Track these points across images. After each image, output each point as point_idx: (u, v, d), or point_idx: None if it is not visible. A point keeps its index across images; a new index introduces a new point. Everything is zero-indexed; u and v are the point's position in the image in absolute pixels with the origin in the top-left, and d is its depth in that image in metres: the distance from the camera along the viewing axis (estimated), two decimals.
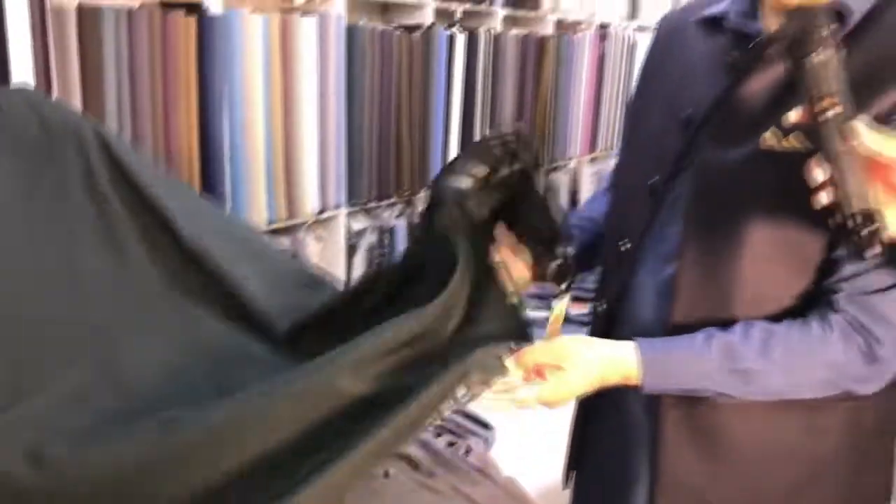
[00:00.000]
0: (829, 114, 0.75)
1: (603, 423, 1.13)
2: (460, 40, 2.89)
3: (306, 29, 2.27)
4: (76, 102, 1.70)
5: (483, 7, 3.03)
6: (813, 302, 0.90)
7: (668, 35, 1.10)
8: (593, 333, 1.05)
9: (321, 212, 2.47)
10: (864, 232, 0.73)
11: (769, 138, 0.88)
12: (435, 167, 2.92)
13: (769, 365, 0.88)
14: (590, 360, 0.91)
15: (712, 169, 0.94)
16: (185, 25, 1.92)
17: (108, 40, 1.74)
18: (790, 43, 0.78)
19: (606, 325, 1.08)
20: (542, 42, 3.37)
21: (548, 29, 3.45)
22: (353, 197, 2.60)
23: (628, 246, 1.04)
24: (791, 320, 0.90)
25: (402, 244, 2.87)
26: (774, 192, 0.86)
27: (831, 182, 0.75)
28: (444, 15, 2.89)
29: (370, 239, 2.79)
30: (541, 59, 3.38)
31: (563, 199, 3.93)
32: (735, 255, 0.91)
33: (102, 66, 1.73)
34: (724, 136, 0.93)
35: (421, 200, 2.94)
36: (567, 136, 3.71)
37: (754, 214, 0.89)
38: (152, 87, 1.85)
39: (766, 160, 0.87)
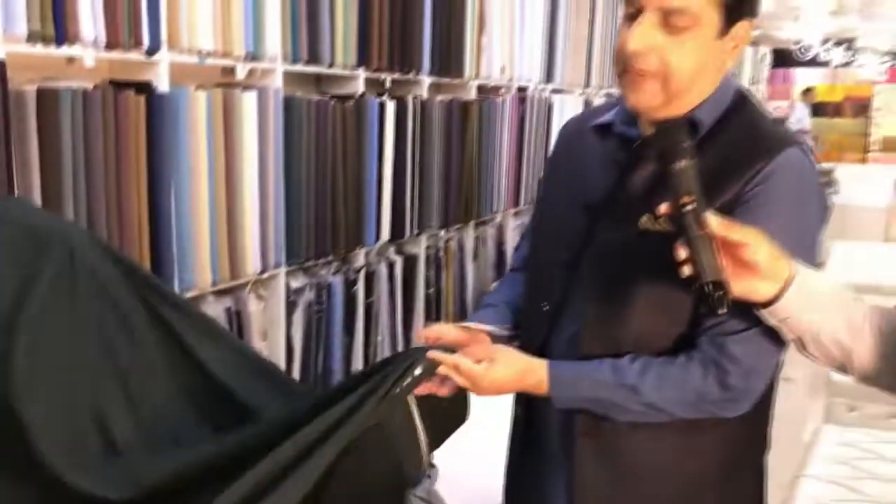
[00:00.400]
0: (688, 208, 0.97)
1: (531, 457, 1.31)
2: (390, 107, 3.10)
3: (247, 103, 2.43)
4: (35, 180, 1.82)
5: (410, 76, 3.25)
6: (683, 344, 1.12)
7: (569, 137, 1.32)
8: None
9: (262, 272, 2.61)
10: (716, 296, 0.96)
11: (645, 222, 1.10)
12: (369, 226, 3.09)
13: (646, 384, 1.10)
14: (514, 362, 1.12)
15: (606, 245, 1.16)
16: (136, 103, 2.07)
17: (65, 120, 1.87)
18: (660, 152, 1.01)
19: None
20: (465, 106, 3.61)
21: (471, 94, 3.70)
22: (292, 256, 2.74)
23: (547, 307, 1.24)
24: (666, 357, 1.11)
25: (338, 300, 3.02)
26: (652, 263, 1.06)
27: (691, 259, 0.97)
28: (374, 84, 3.10)
29: (308, 296, 2.92)
30: (465, 122, 3.62)
31: (491, 251, 4.15)
32: (625, 311, 1.13)
33: (60, 145, 1.86)
34: (614, 219, 1.16)
35: (356, 258, 3.11)
36: (492, 192, 3.95)
37: (639, 280, 1.12)
38: (106, 162, 1.98)
39: (644, 239, 1.10)
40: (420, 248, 3.51)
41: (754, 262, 0.99)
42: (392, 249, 3.39)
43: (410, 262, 3.48)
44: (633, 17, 1.08)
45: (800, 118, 12.42)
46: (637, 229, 1.10)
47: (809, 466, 2.10)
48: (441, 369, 1.10)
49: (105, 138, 1.98)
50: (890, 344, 1.04)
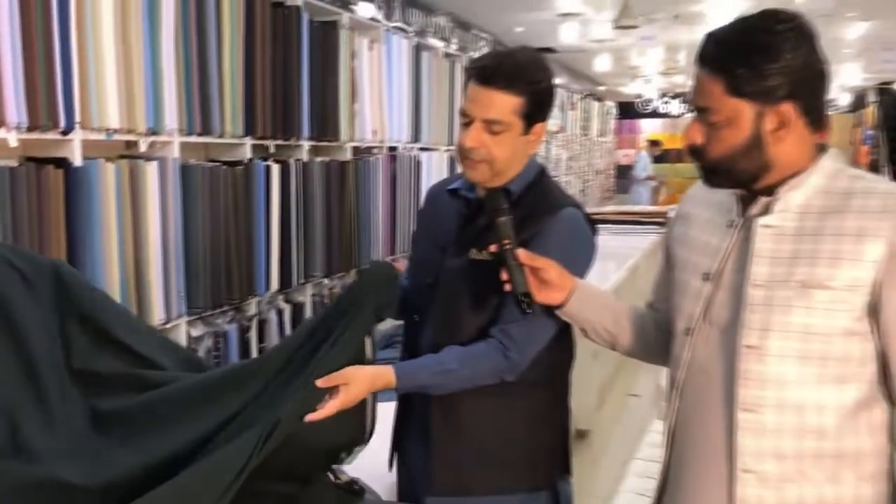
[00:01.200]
0: (507, 247, 1.47)
1: (408, 422, 1.75)
2: (275, 170, 3.46)
3: (149, 171, 2.74)
4: None
5: (292, 141, 3.64)
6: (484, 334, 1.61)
7: (433, 198, 1.83)
8: None
9: (166, 322, 2.89)
10: (526, 303, 1.45)
11: (475, 253, 1.60)
12: (260, 277, 3.42)
13: (458, 365, 1.56)
14: (361, 377, 1.49)
15: (451, 271, 1.64)
16: (56, 177, 2.36)
17: None
18: (488, 211, 1.52)
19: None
20: (343, 166, 4.02)
21: (347, 155, 4.12)
22: (192, 307, 3.03)
23: (417, 318, 1.69)
24: (472, 343, 1.59)
25: (234, 346, 3.32)
26: (478, 282, 1.57)
27: (509, 279, 1.46)
28: (259, 150, 3.46)
29: (207, 343, 3.21)
30: (343, 180, 4.02)
31: None
32: (460, 319, 1.62)
33: None
34: (456, 253, 1.64)
35: (249, 307, 3.42)
36: (370, 242, 4.34)
37: (469, 295, 1.60)
38: (30, 229, 2.25)
39: (474, 265, 1.59)
40: (307, 297, 3.86)
41: (549, 280, 1.49)
42: (281, 298, 3.71)
43: (298, 309, 3.81)
44: (467, 124, 1.58)
45: (644, 166, 13.60)
46: (469, 258, 1.60)
47: (638, 451, 2.63)
48: (323, 412, 1.43)
49: (29, 208, 2.26)
50: (638, 330, 1.54)
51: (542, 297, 1.49)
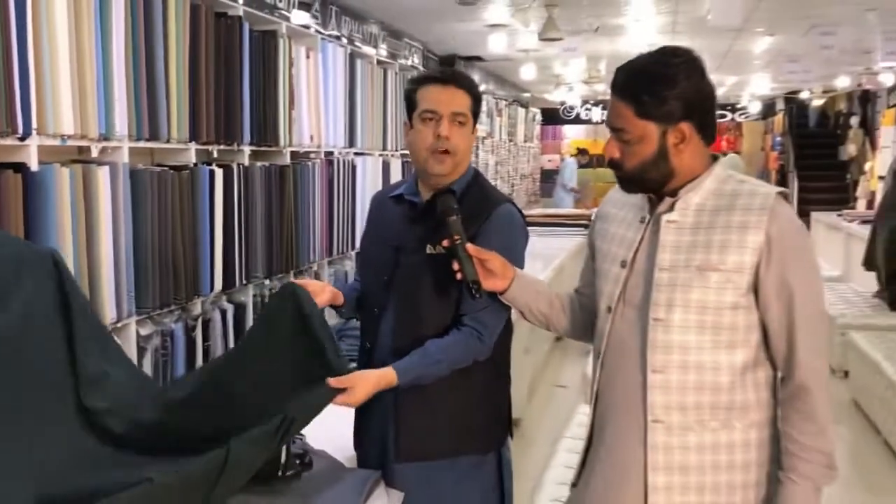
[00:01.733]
0: (458, 242, 1.72)
1: (371, 406, 1.89)
2: (218, 174, 3.59)
3: (101, 175, 2.85)
4: None
5: (234, 147, 3.77)
6: (452, 324, 1.82)
7: (378, 205, 2.05)
8: (360, 359, 1.95)
9: (117, 321, 2.99)
10: (474, 289, 1.69)
11: (430, 249, 1.82)
12: (205, 278, 3.54)
13: (445, 355, 1.79)
14: (366, 380, 1.71)
15: (408, 267, 1.86)
16: (15, 181, 2.46)
17: None
18: (441, 211, 1.76)
19: (369, 353, 1.94)
20: (282, 170, 4.17)
21: (286, 160, 4.27)
22: (141, 306, 3.14)
23: (376, 311, 1.91)
24: (449, 334, 1.81)
25: (180, 345, 3.43)
26: (435, 273, 1.79)
27: (460, 269, 1.69)
28: (203, 154, 3.59)
29: (156, 342, 3.32)
30: (282, 183, 4.17)
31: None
32: (422, 308, 1.83)
33: None
34: (413, 250, 1.86)
35: (195, 306, 3.54)
36: (309, 243, 4.50)
37: (428, 286, 1.82)
38: None
39: (430, 259, 1.82)
40: (248, 297, 3.99)
41: (493, 269, 1.73)
42: (224, 298, 3.84)
43: (240, 309, 3.95)
44: (433, 120, 1.81)
45: (571, 173, 14.09)
46: (425, 253, 1.81)
47: (567, 431, 2.89)
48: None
49: None
50: (567, 311, 1.80)
51: (489, 284, 1.74)
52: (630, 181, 1.59)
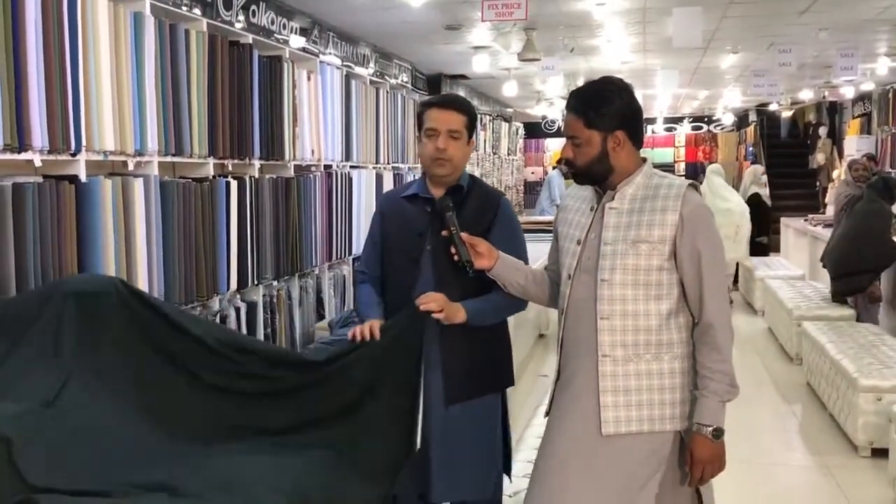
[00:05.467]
0: (453, 231, 2.21)
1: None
2: (233, 185, 4.02)
3: (137, 186, 3.28)
4: (10, 250, 2.59)
5: (246, 161, 4.21)
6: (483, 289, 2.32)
7: (391, 203, 2.52)
8: None
9: None
10: (467, 267, 2.18)
11: (444, 233, 2.26)
12: (222, 276, 3.96)
13: (500, 304, 2.32)
14: (451, 305, 2.24)
15: (433, 248, 2.33)
16: (69, 190, 2.89)
17: (28, 206, 2.67)
18: (440, 209, 2.25)
19: None
20: (287, 182, 4.60)
21: (290, 172, 4.70)
22: (168, 301, 3.55)
23: (406, 286, 2.36)
24: (494, 292, 2.31)
25: None
26: (447, 252, 2.25)
27: (455, 252, 2.18)
28: (218, 168, 4.02)
29: None
30: (288, 194, 4.60)
31: (311, 298, 5.10)
32: (450, 278, 2.30)
33: (25, 224, 2.65)
34: (432, 236, 2.33)
35: (214, 303, 3.95)
36: (312, 250, 4.93)
37: (446, 261, 2.27)
38: (52, 234, 2.78)
39: (444, 240, 2.27)
40: (259, 296, 4.41)
41: (481, 252, 2.21)
42: (238, 297, 4.26)
43: (251, 307, 4.36)
44: (433, 136, 2.33)
45: (559, 183, 14.61)
46: (439, 237, 2.30)
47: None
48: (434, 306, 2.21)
49: (51, 216, 2.78)
50: (539, 283, 2.28)
51: (479, 263, 2.24)
52: (581, 175, 2.10)
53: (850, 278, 5.65)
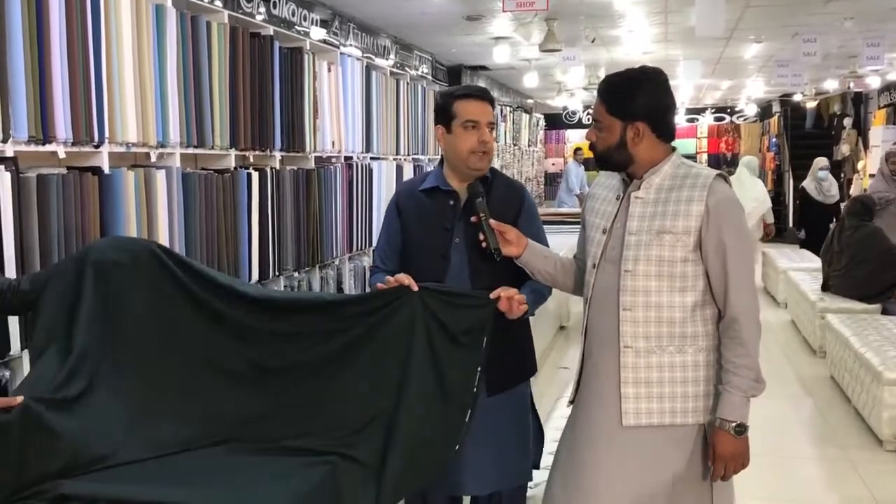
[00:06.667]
0: (482, 217, 2.19)
1: None
2: (255, 176, 4.04)
3: (159, 177, 3.30)
4: (34, 239, 2.62)
5: (266, 153, 4.23)
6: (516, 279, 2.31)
7: (406, 196, 2.50)
8: None
9: None
10: (496, 256, 2.16)
11: (474, 220, 2.23)
12: (244, 267, 3.99)
13: (540, 288, 2.34)
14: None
15: (465, 239, 2.31)
16: (93, 182, 2.91)
17: (52, 196, 2.70)
18: (471, 195, 2.25)
19: None
20: (308, 174, 4.62)
21: (311, 164, 4.72)
22: None
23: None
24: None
25: None
26: (476, 237, 2.22)
27: (484, 239, 2.17)
28: (240, 159, 4.04)
29: None
30: (308, 185, 4.62)
31: (332, 289, 5.11)
32: (483, 269, 2.28)
33: (49, 213, 2.68)
34: (461, 227, 2.32)
35: None
36: (332, 240, 4.95)
37: (477, 253, 2.26)
38: (74, 221, 2.80)
39: (474, 227, 2.23)
40: (280, 287, 4.43)
41: (510, 239, 2.19)
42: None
43: None
44: (475, 128, 2.33)
45: (577, 174, 14.54)
46: (468, 223, 2.29)
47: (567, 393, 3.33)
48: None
49: (74, 207, 2.81)
50: (567, 271, 2.27)
51: (507, 250, 2.22)
52: (601, 160, 2.09)
53: (878, 297, 5.84)
